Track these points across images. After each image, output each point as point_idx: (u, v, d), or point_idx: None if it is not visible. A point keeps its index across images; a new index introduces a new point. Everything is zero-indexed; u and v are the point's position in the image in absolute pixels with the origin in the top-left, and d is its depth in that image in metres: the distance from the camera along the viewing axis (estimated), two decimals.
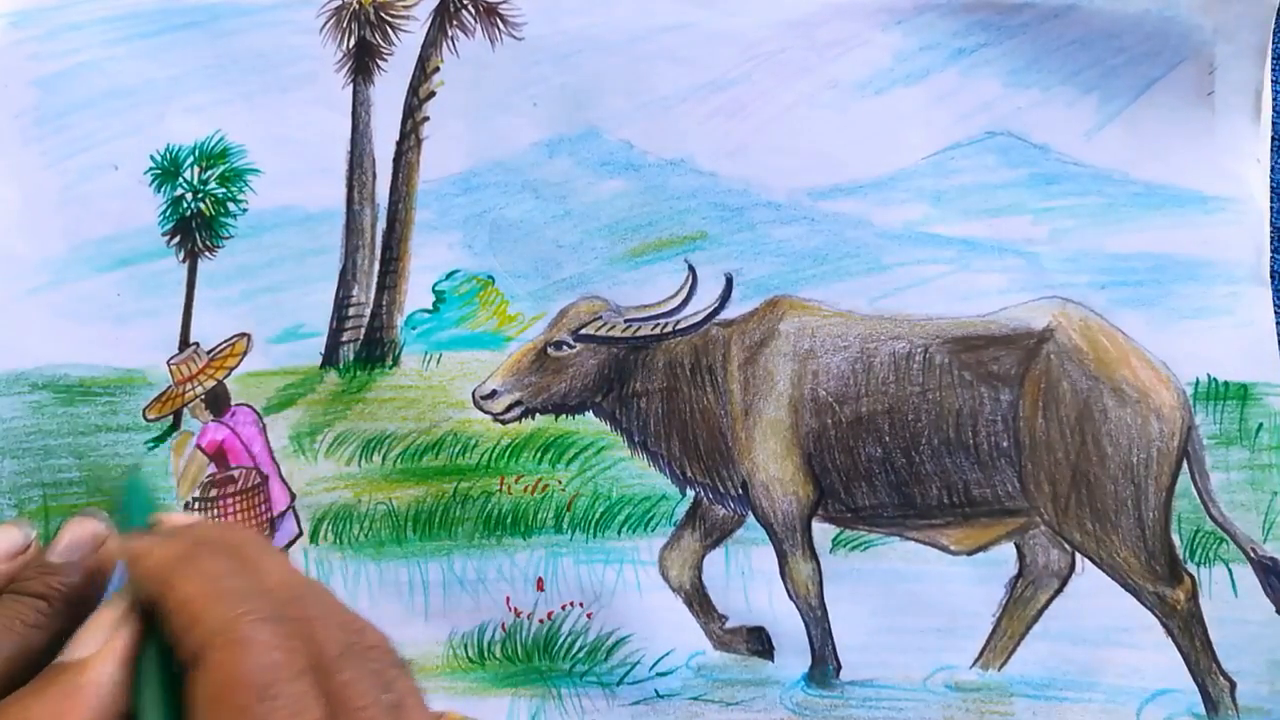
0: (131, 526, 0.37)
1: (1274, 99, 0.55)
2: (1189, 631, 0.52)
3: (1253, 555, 0.53)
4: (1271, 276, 0.55)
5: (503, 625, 0.55)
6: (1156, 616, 0.53)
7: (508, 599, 0.55)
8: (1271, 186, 0.55)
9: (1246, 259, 0.55)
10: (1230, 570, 0.53)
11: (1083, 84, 0.55)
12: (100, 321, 0.56)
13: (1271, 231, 0.55)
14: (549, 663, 0.55)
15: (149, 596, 0.34)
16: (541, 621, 0.55)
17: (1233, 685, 0.52)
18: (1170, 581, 0.53)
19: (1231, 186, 0.55)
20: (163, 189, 0.56)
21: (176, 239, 0.56)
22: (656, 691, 0.54)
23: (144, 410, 0.56)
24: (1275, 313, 0.55)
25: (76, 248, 0.55)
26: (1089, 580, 0.53)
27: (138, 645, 0.33)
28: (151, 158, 0.56)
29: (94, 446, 0.56)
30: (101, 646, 0.33)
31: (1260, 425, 0.54)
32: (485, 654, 0.55)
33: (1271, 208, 0.55)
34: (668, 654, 0.54)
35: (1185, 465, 0.53)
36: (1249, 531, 0.53)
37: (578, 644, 0.55)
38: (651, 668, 0.55)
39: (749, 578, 0.55)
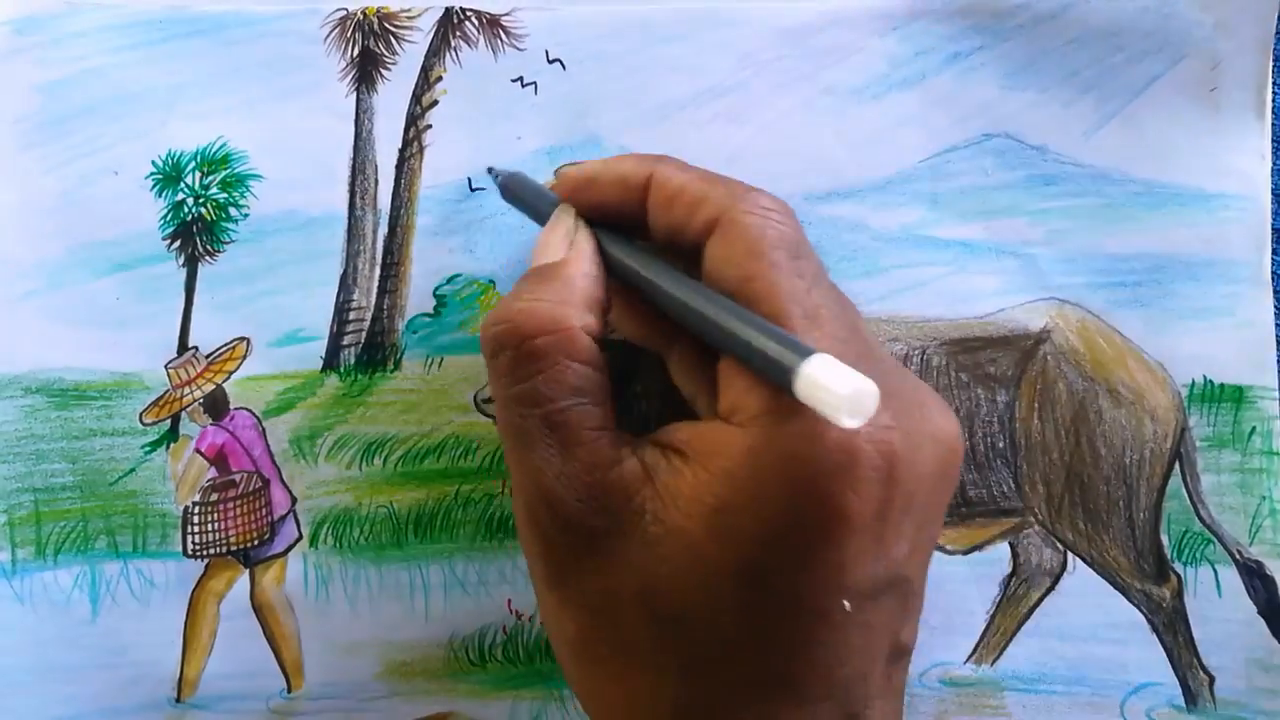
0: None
1: (1274, 99, 0.60)
2: (1173, 628, 0.59)
3: (1238, 557, 0.59)
4: (1272, 278, 0.60)
5: (504, 628, 0.60)
6: (1142, 613, 0.59)
7: (509, 602, 0.60)
8: (1271, 188, 0.60)
9: (1249, 258, 0.60)
10: (1216, 571, 0.59)
11: (1080, 84, 0.61)
12: (97, 325, 0.60)
13: (1272, 232, 0.60)
14: (551, 665, 0.60)
15: (613, 195, 0.46)
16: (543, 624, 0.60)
17: (1212, 679, 0.58)
18: (1157, 580, 0.59)
19: (1235, 183, 0.60)
20: (164, 194, 0.60)
21: (177, 243, 0.60)
22: None
23: (140, 414, 0.60)
24: (1276, 314, 0.60)
25: (74, 251, 0.60)
26: (1079, 578, 0.59)
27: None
28: (153, 163, 0.60)
29: (88, 451, 0.60)
30: (570, 250, 0.45)
31: (1253, 429, 0.60)
32: (487, 656, 0.60)
33: (1272, 209, 0.60)
34: None
35: (1177, 466, 0.59)
36: (1236, 534, 0.59)
37: None
38: None
39: None
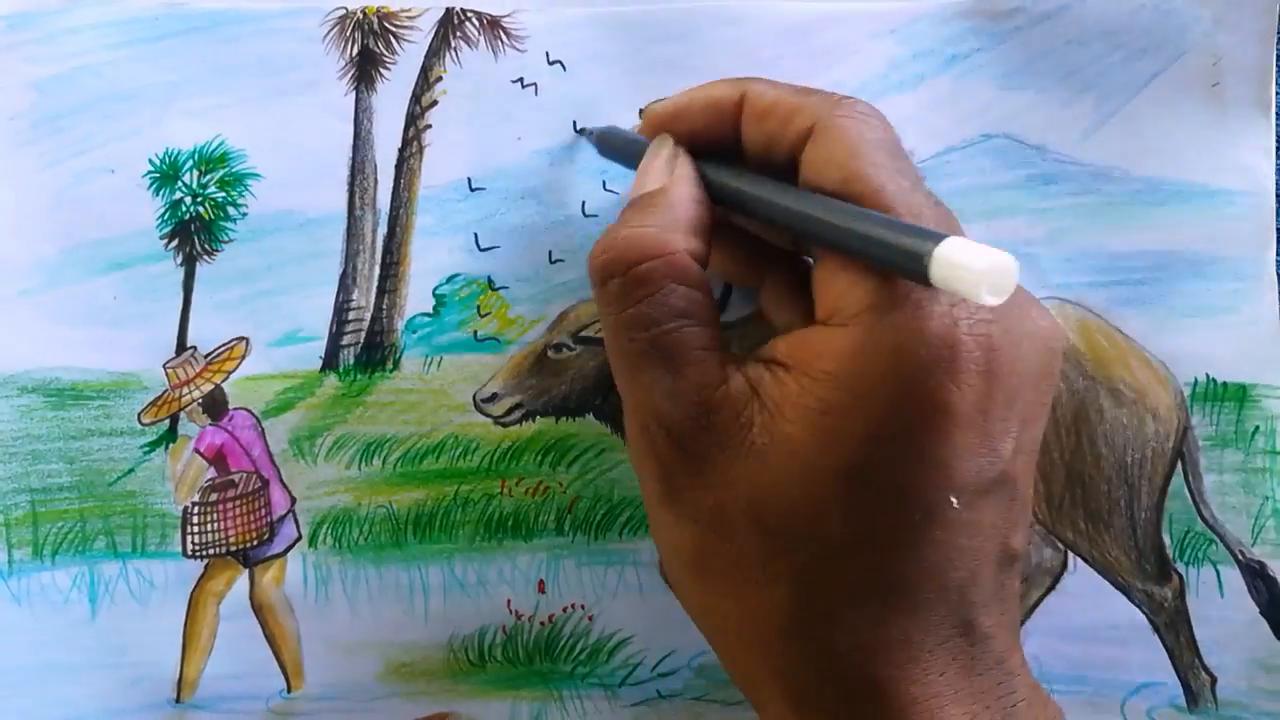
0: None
1: (1275, 98, 0.60)
2: (1174, 628, 0.59)
3: (1240, 558, 0.60)
4: (1277, 275, 0.60)
5: (504, 628, 0.61)
6: (1144, 613, 0.60)
7: (509, 602, 0.61)
8: (1276, 183, 0.61)
9: (1253, 255, 0.60)
10: (1218, 571, 0.60)
11: (1079, 83, 0.61)
12: (94, 325, 0.60)
13: (1277, 229, 0.60)
14: (550, 665, 0.61)
15: (705, 120, 0.48)
16: (543, 624, 0.61)
17: (1213, 680, 0.59)
18: (1159, 580, 0.60)
19: (1239, 179, 0.60)
20: (161, 192, 0.60)
21: (174, 242, 0.61)
22: (658, 692, 0.60)
23: (139, 414, 0.61)
24: None
25: (71, 250, 0.60)
26: (1080, 578, 0.60)
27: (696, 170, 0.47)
28: (150, 161, 0.60)
29: (86, 451, 0.60)
30: (671, 176, 0.46)
31: (1256, 428, 0.60)
32: (486, 657, 0.61)
33: (1277, 205, 0.60)
34: (669, 655, 0.60)
35: (1179, 466, 0.60)
36: (1238, 534, 0.60)
37: (579, 646, 0.61)
38: (653, 669, 0.60)
39: None
